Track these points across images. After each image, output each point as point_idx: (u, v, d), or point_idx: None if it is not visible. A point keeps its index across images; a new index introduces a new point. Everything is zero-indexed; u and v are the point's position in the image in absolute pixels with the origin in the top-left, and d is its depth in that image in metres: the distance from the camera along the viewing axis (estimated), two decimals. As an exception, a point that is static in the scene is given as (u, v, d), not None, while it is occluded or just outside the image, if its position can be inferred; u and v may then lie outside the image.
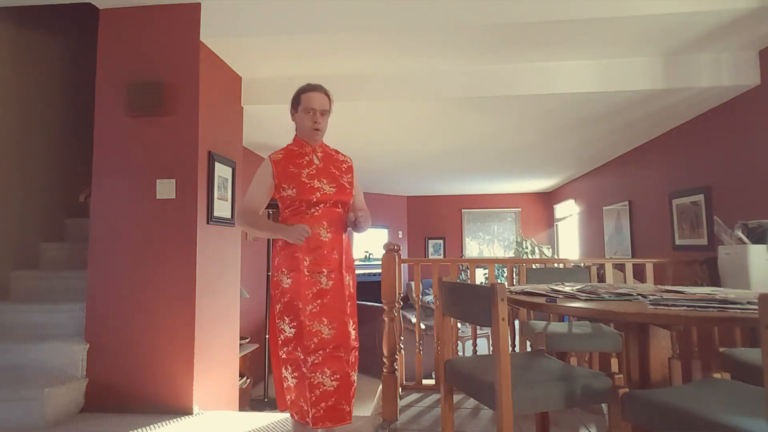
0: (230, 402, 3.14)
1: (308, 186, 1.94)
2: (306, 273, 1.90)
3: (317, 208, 1.94)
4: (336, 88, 1.88)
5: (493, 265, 3.50)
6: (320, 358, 1.87)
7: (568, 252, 8.13)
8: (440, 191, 9.39)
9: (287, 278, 1.91)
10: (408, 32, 2.75)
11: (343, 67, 3.28)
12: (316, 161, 2.02)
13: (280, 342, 1.93)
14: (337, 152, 2.14)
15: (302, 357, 1.87)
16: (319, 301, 1.90)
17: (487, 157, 5.91)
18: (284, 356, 1.92)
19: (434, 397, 3.05)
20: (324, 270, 1.92)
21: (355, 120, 3.99)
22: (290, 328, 1.89)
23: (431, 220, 9.93)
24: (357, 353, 2.01)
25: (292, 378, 1.91)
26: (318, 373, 1.85)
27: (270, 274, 4.42)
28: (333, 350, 1.89)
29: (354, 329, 2.00)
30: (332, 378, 1.87)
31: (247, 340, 4.37)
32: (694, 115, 3.86)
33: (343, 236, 2.02)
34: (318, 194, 1.93)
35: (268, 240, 4.44)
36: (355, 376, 1.97)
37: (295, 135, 2.10)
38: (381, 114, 3.89)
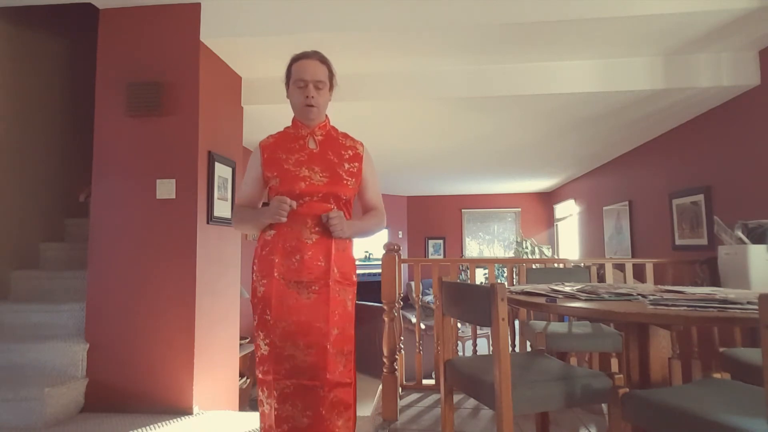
0: (230, 402, 3.14)
1: (292, 174, 1.63)
2: (280, 281, 1.58)
3: (301, 202, 1.62)
4: (336, 88, 1.84)
5: (493, 265, 3.50)
6: (291, 387, 1.56)
7: (568, 252, 8.13)
8: (440, 191, 9.38)
9: (260, 285, 1.62)
10: (408, 32, 2.75)
11: (342, 68, 3.26)
12: (312, 145, 1.70)
13: (257, 359, 1.64)
14: (346, 136, 1.80)
15: (272, 383, 1.58)
16: (294, 319, 1.57)
17: (488, 157, 5.91)
18: (260, 376, 1.64)
19: (434, 397, 3.05)
20: (303, 279, 1.58)
21: (355, 120, 3.99)
22: (265, 345, 1.60)
23: (431, 220, 9.93)
24: (349, 391, 1.61)
25: (266, 403, 1.62)
26: (288, 405, 1.55)
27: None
28: (309, 380, 1.56)
29: (345, 360, 1.62)
30: (304, 414, 1.55)
31: (247, 340, 4.37)
32: (694, 115, 3.85)
33: (336, 240, 1.64)
34: (303, 184, 1.61)
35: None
36: (340, 422, 1.58)
37: (293, 117, 1.79)
38: (381, 114, 3.89)
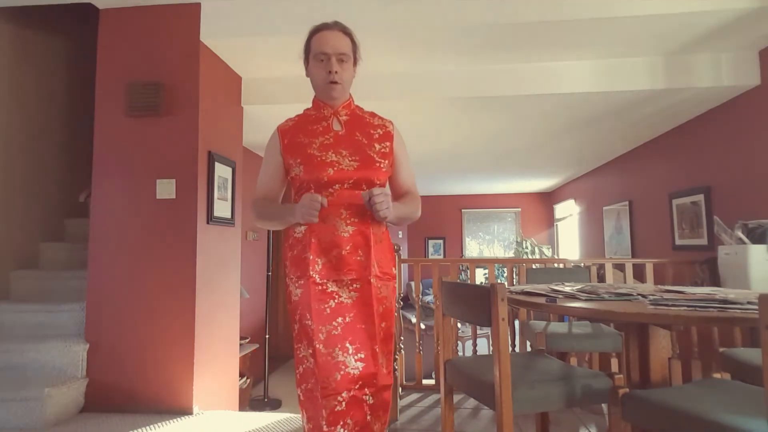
0: (230, 402, 3.14)
1: (318, 160, 1.44)
2: (318, 281, 1.41)
3: (331, 190, 1.43)
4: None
5: (493, 265, 3.50)
6: (344, 403, 1.34)
7: (568, 252, 8.13)
8: (440, 191, 9.39)
9: (296, 288, 1.45)
10: (408, 32, 2.75)
11: (343, 67, 3.27)
12: (337, 127, 1.53)
13: (298, 374, 1.44)
14: (374, 115, 1.63)
15: (320, 400, 1.34)
16: (340, 320, 1.40)
17: (487, 157, 5.91)
18: (302, 397, 1.43)
19: (434, 397, 3.05)
20: (343, 278, 1.42)
21: (355, 120, 3.99)
22: (309, 355, 1.40)
23: (431, 220, 9.93)
24: (390, 392, 1.46)
25: (311, 428, 1.40)
26: (340, 427, 1.33)
27: (270, 274, 4.44)
28: (359, 391, 1.37)
29: (387, 360, 1.47)
30: (353, 430, 1.36)
31: (247, 340, 4.37)
32: (694, 115, 3.86)
33: (374, 229, 1.47)
34: (331, 171, 1.42)
35: (269, 238, 4.43)
36: (377, 426, 1.43)
37: (314, 97, 1.61)
38: (381, 114, 3.89)
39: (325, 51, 1.49)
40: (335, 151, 1.47)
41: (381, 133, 1.56)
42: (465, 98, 3.42)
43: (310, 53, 1.54)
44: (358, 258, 1.43)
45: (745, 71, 3.07)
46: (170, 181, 2.74)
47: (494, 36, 2.82)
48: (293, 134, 1.52)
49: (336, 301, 1.41)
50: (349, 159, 1.46)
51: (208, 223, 2.84)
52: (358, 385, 1.36)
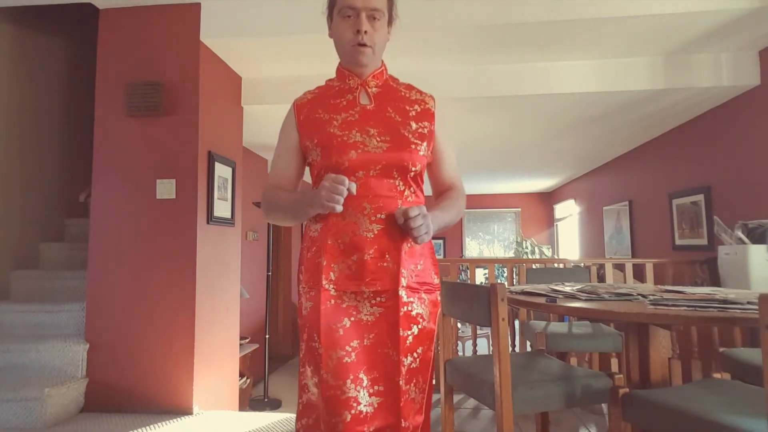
0: (230, 402, 3.14)
1: (338, 140, 1.17)
2: (332, 292, 1.13)
3: (353, 178, 1.14)
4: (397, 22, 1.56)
5: (493, 265, 3.50)
6: None
7: (568, 252, 8.13)
8: (440, 191, 9.37)
9: (307, 300, 1.18)
10: (407, 32, 2.75)
11: (343, 67, 3.28)
12: (365, 101, 1.25)
13: (299, 406, 1.20)
14: (411, 88, 1.34)
15: None
16: (356, 343, 1.12)
17: (487, 157, 5.91)
18: None
19: (434, 396, 3.05)
20: (364, 289, 1.13)
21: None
22: (313, 385, 1.15)
23: (431, 220, 9.91)
24: None
25: None
26: None
27: (270, 274, 4.44)
28: None
29: (423, 395, 1.17)
30: None
31: (247, 340, 4.37)
32: (694, 115, 3.86)
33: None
34: (354, 153, 1.15)
35: (269, 238, 4.43)
36: None
37: (338, 65, 1.33)
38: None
39: (354, 5, 1.19)
40: (361, 129, 1.18)
41: (419, 109, 1.26)
42: (465, 98, 3.42)
43: (334, 7, 1.24)
44: (385, 264, 1.14)
45: (745, 71, 3.07)
46: (170, 181, 2.74)
47: (494, 36, 2.81)
48: (311, 109, 1.25)
49: (353, 319, 1.13)
50: (378, 139, 1.17)
51: (208, 223, 2.84)
52: (372, 429, 1.08)
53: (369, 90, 1.27)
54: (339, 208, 1.08)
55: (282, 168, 1.30)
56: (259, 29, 2.77)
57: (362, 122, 1.21)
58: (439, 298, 1.24)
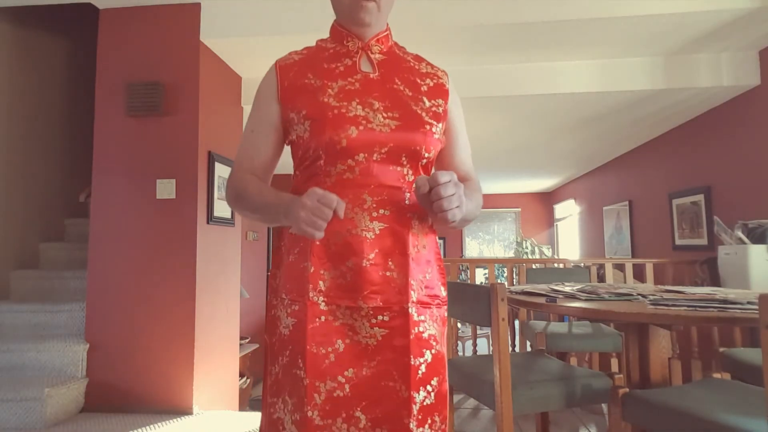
0: (230, 402, 3.14)
1: (334, 113, 0.92)
2: (321, 307, 0.90)
3: (350, 163, 0.92)
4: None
5: (493, 265, 3.50)
6: None
7: (568, 252, 8.13)
8: (440, 191, 9.38)
9: (287, 316, 0.93)
10: (407, 32, 2.75)
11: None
12: (366, 68, 1.01)
13: None
14: (420, 59, 1.15)
15: None
16: (352, 373, 0.88)
17: (487, 156, 5.91)
18: None
19: (434, 397, 3.05)
20: (362, 305, 0.90)
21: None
22: (291, 424, 0.89)
23: (431, 220, 9.92)
24: None
25: None
26: None
27: (270, 274, 4.42)
28: None
29: None
30: None
31: (247, 340, 4.37)
32: (694, 115, 3.86)
33: (415, 228, 0.95)
34: (354, 130, 0.91)
35: (269, 238, 4.43)
36: None
37: (333, 22, 1.10)
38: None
39: None
40: (362, 101, 0.94)
41: (432, 84, 1.06)
42: (465, 98, 3.41)
43: None
44: (388, 273, 0.91)
45: (745, 71, 3.07)
46: (170, 181, 2.74)
47: (494, 36, 2.82)
48: (298, 73, 0.99)
49: (348, 341, 0.89)
50: (384, 115, 0.93)
51: (208, 223, 2.84)
52: None
53: (372, 56, 1.03)
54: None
55: (255, 147, 1.02)
56: (259, 29, 2.77)
57: (364, 93, 0.96)
58: (445, 315, 1.01)
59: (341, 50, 1.04)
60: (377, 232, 0.91)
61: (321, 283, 0.91)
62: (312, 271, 0.91)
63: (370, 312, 0.90)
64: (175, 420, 2.52)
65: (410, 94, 1.00)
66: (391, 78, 1.01)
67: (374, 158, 0.92)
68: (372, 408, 0.88)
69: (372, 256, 0.91)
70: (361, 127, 0.92)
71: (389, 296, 0.91)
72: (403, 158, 0.94)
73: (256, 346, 4.40)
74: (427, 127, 0.97)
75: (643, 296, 1.60)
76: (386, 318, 0.90)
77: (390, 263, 0.91)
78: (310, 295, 0.90)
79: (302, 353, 0.88)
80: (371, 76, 1.00)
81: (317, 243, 0.92)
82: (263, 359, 1.01)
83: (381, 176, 0.93)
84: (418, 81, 1.05)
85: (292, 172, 1.04)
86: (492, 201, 9.75)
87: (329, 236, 0.91)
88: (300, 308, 0.91)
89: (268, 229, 4.42)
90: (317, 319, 0.89)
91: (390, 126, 0.93)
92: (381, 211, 0.92)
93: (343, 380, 0.88)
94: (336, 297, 0.90)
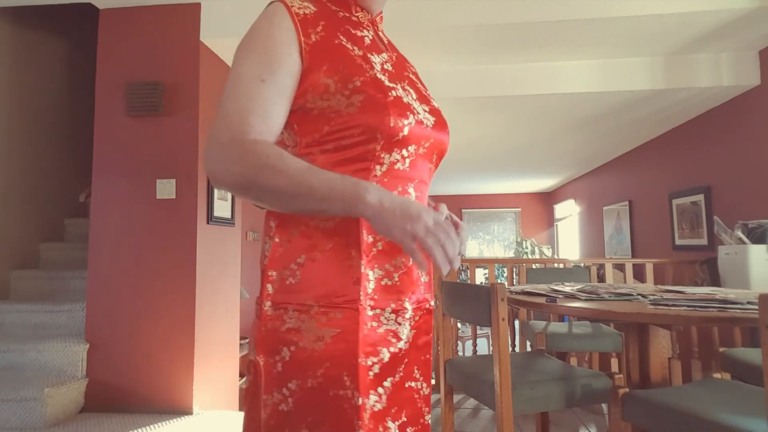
0: (230, 402, 3.14)
1: (393, 95, 0.79)
2: (369, 312, 0.78)
3: (403, 153, 0.81)
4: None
5: (493, 265, 3.50)
6: None
7: (568, 252, 8.13)
8: (440, 191, 9.39)
9: (321, 326, 0.76)
10: (407, 32, 2.75)
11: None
12: (382, 47, 0.89)
13: None
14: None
15: None
16: (388, 383, 0.80)
17: (487, 157, 5.91)
18: None
19: (434, 396, 3.05)
20: (407, 305, 0.83)
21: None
22: None
23: (431, 220, 9.91)
24: None
25: None
26: None
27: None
28: None
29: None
30: None
31: (247, 340, 4.37)
32: (694, 115, 3.86)
33: None
34: (411, 120, 0.79)
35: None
36: None
37: None
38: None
39: None
40: (403, 87, 0.83)
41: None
42: (465, 98, 3.42)
43: None
44: (420, 270, 0.85)
45: (745, 71, 3.07)
46: (170, 181, 2.74)
47: (494, 36, 2.82)
48: (328, 30, 0.81)
49: (392, 349, 0.80)
50: (419, 104, 0.84)
51: (208, 223, 2.84)
52: None
53: (379, 34, 0.91)
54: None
55: (268, 103, 0.75)
56: (259, 29, 2.77)
57: (399, 76, 0.84)
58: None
59: (351, 16, 0.88)
60: None
61: (367, 284, 0.78)
62: (363, 271, 0.78)
63: (411, 313, 0.84)
64: (175, 420, 2.52)
65: (422, 87, 0.92)
66: (404, 65, 0.91)
67: (419, 152, 0.84)
68: (399, 413, 0.81)
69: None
70: (415, 117, 0.81)
71: (421, 294, 0.86)
72: (434, 156, 0.88)
73: (256, 346, 4.40)
74: (447, 125, 0.91)
75: (643, 296, 1.60)
76: (417, 317, 0.86)
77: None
78: (361, 298, 0.77)
79: (351, 368, 0.75)
80: (392, 59, 0.88)
81: (367, 238, 0.79)
82: (249, 388, 0.81)
83: (422, 171, 0.85)
84: (414, 70, 0.97)
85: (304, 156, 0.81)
86: (492, 201, 9.76)
87: (372, 231, 0.79)
88: (346, 315, 0.76)
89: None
90: (365, 326, 0.77)
91: (430, 120, 0.85)
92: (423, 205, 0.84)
93: (382, 391, 0.79)
94: (382, 300, 0.80)
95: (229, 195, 3.11)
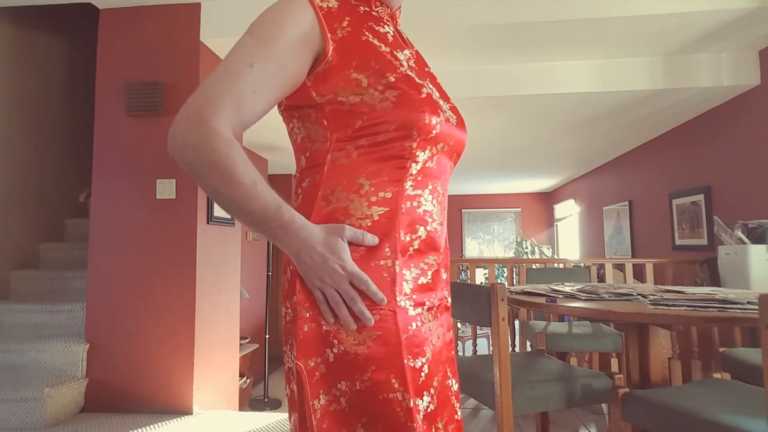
0: (230, 402, 3.14)
1: (425, 92, 0.78)
2: (410, 312, 0.76)
3: (434, 151, 0.79)
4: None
5: (493, 265, 3.50)
6: None
7: (568, 252, 8.13)
8: (440, 191, 9.38)
9: (362, 329, 0.73)
10: (406, 32, 2.75)
11: (343, 67, 3.27)
12: (403, 43, 0.88)
13: None
14: None
15: None
16: (437, 381, 0.79)
17: (487, 157, 5.91)
18: None
19: (434, 397, 3.05)
20: (436, 303, 0.82)
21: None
22: None
23: (431, 220, 9.91)
24: None
25: None
26: None
27: (270, 274, 4.43)
28: None
29: None
30: None
31: (247, 340, 4.37)
32: (694, 115, 3.86)
33: None
34: (441, 117, 0.78)
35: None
36: None
37: None
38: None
39: None
40: (424, 80, 0.82)
41: None
42: (464, 98, 3.42)
43: None
44: (442, 268, 0.85)
45: (745, 71, 3.07)
46: (170, 181, 2.74)
47: (494, 36, 2.82)
48: (354, 25, 0.79)
49: (433, 349, 0.80)
50: (443, 103, 0.83)
51: (208, 223, 2.84)
52: None
53: (399, 30, 0.89)
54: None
55: (260, 90, 0.73)
56: (259, 29, 2.77)
57: (423, 73, 0.83)
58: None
59: (372, 14, 0.85)
60: (442, 225, 0.84)
61: (405, 284, 0.77)
62: (399, 270, 0.76)
63: (442, 310, 0.84)
64: (175, 420, 2.52)
65: (439, 85, 0.89)
66: (424, 61, 0.89)
67: (444, 149, 0.82)
68: (441, 411, 0.79)
69: (442, 250, 0.84)
70: (443, 115, 0.80)
71: (441, 291, 0.85)
72: (454, 155, 0.86)
73: (256, 346, 4.40)
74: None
75: (643, 296, 1.60)
76: (445, 317, 0.85)
77: (446, 260, 0.87)
78: (398, 298, 0.75)
79: (398, 371, 0.73)
80: (414, 55, 0.86)
81: (404, 238, 0.77)
82: (293, 396, 0.76)
83: (445, 169, 0.84)
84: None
85: (304, 145, 0.80)
86: (492, 201, 9.76)
87: (411, 228, 0.78)
88: (386, 317, 0.74)
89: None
90: (409, 328, 0.76)
91: (453, 119, 0.83)
92: (444, 205, 0.85)
93: (433, 391, 0.78)
94: (420, 298, 0.79)
95: (229, 195, 3.10)
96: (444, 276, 0.85)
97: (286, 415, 2.65)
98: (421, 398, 0.74)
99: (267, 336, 4.23)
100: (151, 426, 2.42)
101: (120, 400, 2.64)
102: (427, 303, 0.79)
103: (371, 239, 0.74)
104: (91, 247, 2.76)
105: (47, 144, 3.46)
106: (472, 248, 9.86)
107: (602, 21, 2.60)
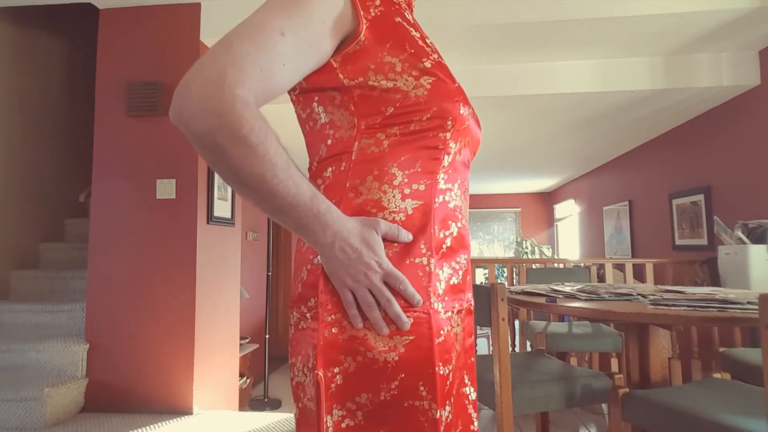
0: (230, 402, 3.14)
1: (456, 82, 0.75)
2: (442, 315, 0.70)
3: (462, 143, 0.75)
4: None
5: (493, 265, 3.50)
6: None
7: (568, 252, 8.13)
8: (440, 191, 9.38)
9: (392, 334, 0.66)
10: (408, 32, 2.75)
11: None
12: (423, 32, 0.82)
13: None
14: None
15: None
16: (456, 389, 0.74)
17: (487, 157, 5.91)
18: None
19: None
20: (466, 305, 0.77)
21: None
22: None
23: (431, 220, 9.91)
24: None
25: None
26: None
27: (270, 274, 4.43)
28: None
29: None
30: None
31: (247, 340, 4.37)
32: (694, 115, 3.86)
33: None
34: (469, 109, 0.75)
35: (269, 238, 4.42)
36: None
37: None
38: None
39: None
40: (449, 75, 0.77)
41: None
42: (465, 98, 3.42)
43: None
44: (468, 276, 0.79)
45: (745, 71, 3.07)
46: (170, 181, 2.74)
47: (494, 36, 2.82)
48: (386, 8, 0.74)
49: (457, 353, 0.74)
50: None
51: (208, 223, 2.84)
52: None
53: (414, 16, 0.84)
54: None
55: (288, 64, 0.65)
56: (259, 29, 2.77)
57: (445, 65, 0.77)
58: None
59: (394, 0, 0.79)
60: (467, 222, 0.79)
61: (438, 285, 0.70)
62: (432, 270, 0.69)
63: (465, 311, 0.77)
64: (175, 420, 2.52)
65: None
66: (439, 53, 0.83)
67: (469, 143, 0.78)
68: (456, 421, 0.72)
69: (468, 254, 0.77)
70: (469, 107, 0.75)
71: (469, 294, 0.79)
72: (470, 154, 0.81)
73: (256, 346, 4.40)
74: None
75: (643, 296, 1.60)
76: (468, 318, 0.79)
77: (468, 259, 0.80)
78: (433, 300, 0.69)
79: (429, 378, 0.67)
80: (433, 46, 0.79)
81: (437, 234, 0.71)
82: (312, 408, 0.68)
83: (469, 165, 0.80)
84: None
85: (333, 127, 0.72)
86: (492, 201, 9.76)
87: (444, 225, 0.72)
88: (420, 320, 0.67)
89: (268, 229, 4.41)
90: (441, 332, 0.69)
91: (473, 114, 0.77)
92: (468, 201, 0.80)
93: (453, 399, 0.71)
94: (451, 301, 0.72)
95: (229, 195, 3.11)
96: (468, 278, 0.79)
97: (286, 415, 2.65)
98: (444, 408, 0.68)
99: (267, 336, 4.23)
100: (151, 426, 2.42)
101: (120, 400, 2.64)
102: (457, 306, 0.73)
103: (406, 235, 0.67)
104: (91, 247, 2.76)
105: (47, 144, 3.46)
106: (472, 248, 9.86)
107: (602, 21, 2.60)
